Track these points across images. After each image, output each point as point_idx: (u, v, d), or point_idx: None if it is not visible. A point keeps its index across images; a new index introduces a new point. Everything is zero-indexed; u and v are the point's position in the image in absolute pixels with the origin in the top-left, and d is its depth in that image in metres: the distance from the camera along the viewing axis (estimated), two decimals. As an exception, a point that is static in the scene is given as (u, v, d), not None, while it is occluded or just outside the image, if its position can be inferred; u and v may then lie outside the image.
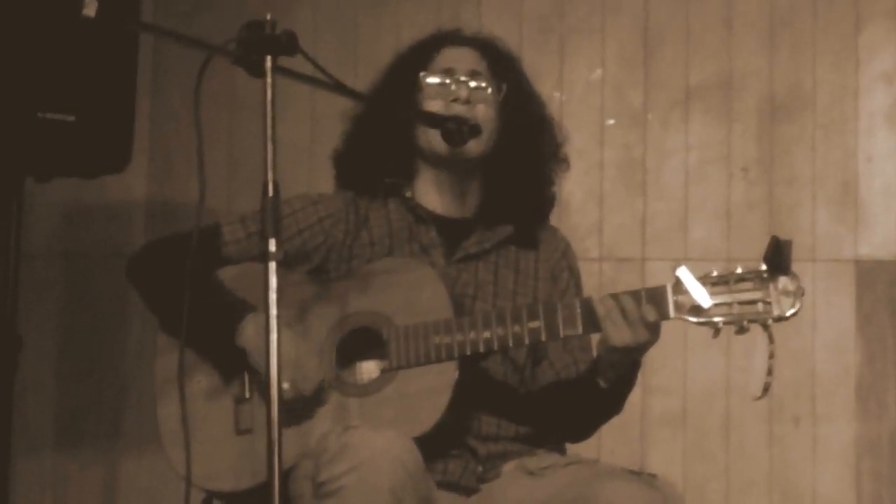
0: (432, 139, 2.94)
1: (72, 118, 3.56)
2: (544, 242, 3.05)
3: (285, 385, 2.71)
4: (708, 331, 2.66)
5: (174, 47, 4.02)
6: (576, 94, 4.35)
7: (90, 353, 4.48)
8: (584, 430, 2.96)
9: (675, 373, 4.21)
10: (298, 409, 2.76)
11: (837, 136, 4.26)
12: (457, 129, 2.89)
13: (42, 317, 4.44)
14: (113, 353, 4.45)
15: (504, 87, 3.01)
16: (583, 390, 2.84)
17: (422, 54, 3.06)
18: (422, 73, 3.01)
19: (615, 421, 2.92)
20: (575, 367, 2.93)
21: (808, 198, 4.25)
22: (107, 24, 2.53)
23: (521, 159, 3.01)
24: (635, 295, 2.69)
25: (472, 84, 2.99)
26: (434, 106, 2.97)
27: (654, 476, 2.68)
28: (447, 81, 2.99)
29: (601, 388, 2.79)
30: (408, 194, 3.02)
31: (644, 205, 4.32)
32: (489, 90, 3.00)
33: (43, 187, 3.81)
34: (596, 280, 4.14)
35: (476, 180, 3.02)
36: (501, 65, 3.06)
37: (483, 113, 2.97)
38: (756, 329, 2.64)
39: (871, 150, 4.25)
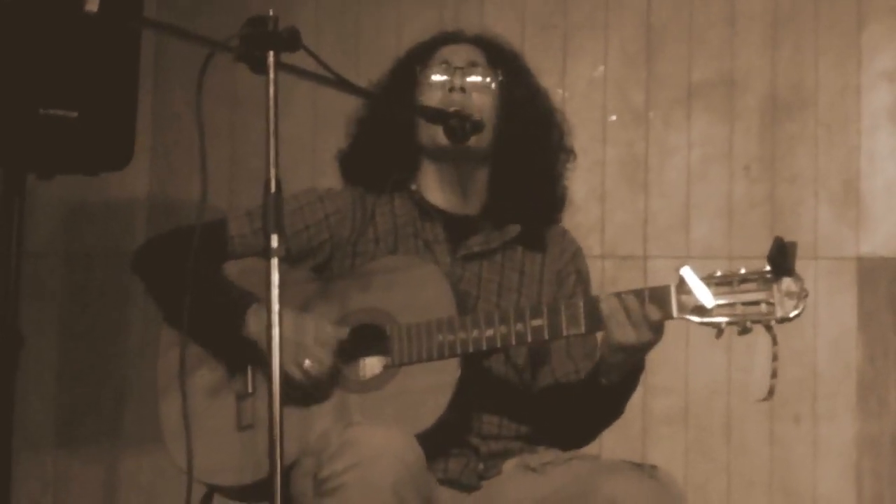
0: (434, 134, 2.94)
1: (73, 114, 3.56)
2: (552, 244, 3.03)
3: (308, 362, 2.73)
4: (710, 330, 2.66)
5: (176, 44, 4.02)
6: (578, 91, 4.34)
7: (91, 351, 4.47)
8: (584, 434, 2.95)
9: (676, 371, 4.20)
10: (318, 387, 2.77)
11: (839, 135, 4.26)
12: (459, 125, 2.90)
13: (43, 314, 4.44)
14: (114, 350, 4.45)
15: (500, 73, 3.00)
16: (584, 390, 2.84)
17: (421, 53, 3.06)
18: (418, 68, 3.01)
19: (616, 419, 2.92)
20: (576, 375, 2.92)
21: (810, 196, 4.24)
22: (109, 20, 2.52)
23: (526, 154, 3.00)
24: (639, 294, 2.68)
25: (469, 75, 2.98)
26: (433, 98, 2.97)
27: (655, 468, 2.68)
28: (444, 73, 2.99)
29: (603, 385, 2.78)
30: (413, 187, 3.01)
31: (646, 202, 4.31)
32: (487, 79, 2.99)
33: (44, 184, 3.80)
34: (598, 278, 4.11)
35: (481, 176, 3.02)
36: (500, 57, 3.05)
37: (480, 102, 2.96)
38: (758, 328, 2.64)
39: (873, 148, 4.24)
